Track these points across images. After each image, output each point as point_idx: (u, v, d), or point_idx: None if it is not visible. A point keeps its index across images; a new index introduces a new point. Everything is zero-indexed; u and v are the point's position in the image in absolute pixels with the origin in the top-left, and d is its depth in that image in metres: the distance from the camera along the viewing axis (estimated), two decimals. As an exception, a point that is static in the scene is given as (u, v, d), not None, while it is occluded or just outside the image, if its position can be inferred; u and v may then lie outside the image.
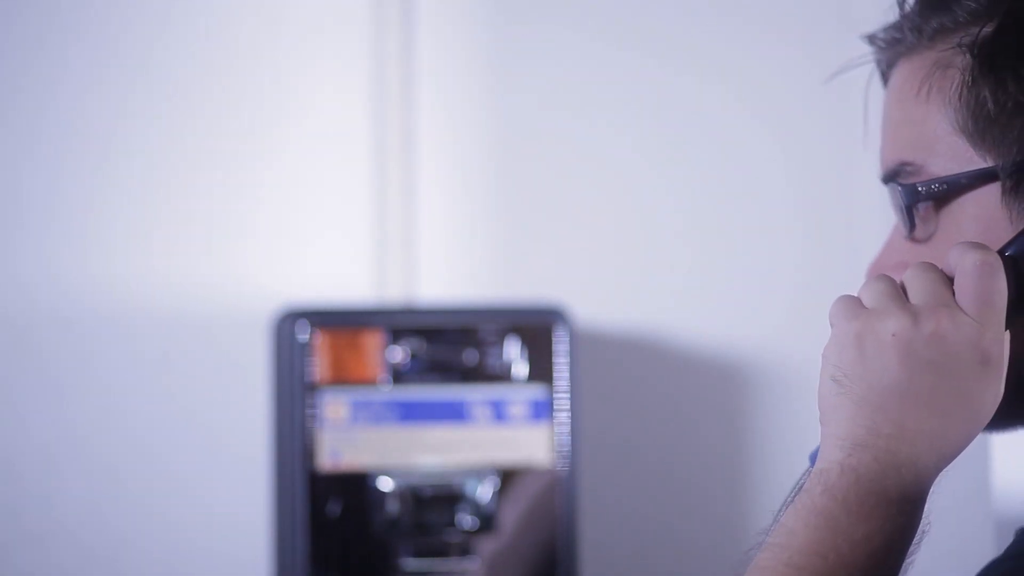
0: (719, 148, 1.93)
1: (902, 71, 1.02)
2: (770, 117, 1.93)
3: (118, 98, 1.86)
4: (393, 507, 1.67)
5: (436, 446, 1.68)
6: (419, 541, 1.67)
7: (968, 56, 0.97)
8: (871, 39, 1.05)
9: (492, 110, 1.91)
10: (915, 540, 0.91)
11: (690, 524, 1.90)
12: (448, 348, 1.69)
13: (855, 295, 0.95)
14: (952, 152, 0.98)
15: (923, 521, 0.91)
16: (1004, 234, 0.96)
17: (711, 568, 1.85)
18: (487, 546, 1.68)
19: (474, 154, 1.91)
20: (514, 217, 1.91)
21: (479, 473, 1.68)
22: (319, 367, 1.67)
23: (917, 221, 1.00)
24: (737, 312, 1.92)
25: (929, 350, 0.91)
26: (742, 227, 1.92)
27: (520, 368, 1.69)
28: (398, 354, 1.69)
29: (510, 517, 1.69)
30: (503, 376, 1.69)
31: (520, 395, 1.69)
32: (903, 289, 0.94)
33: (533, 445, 1.69)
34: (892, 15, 1.02)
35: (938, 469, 0.92)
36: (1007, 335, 0.94)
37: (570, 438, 1.69)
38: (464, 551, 1.68)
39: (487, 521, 1.68)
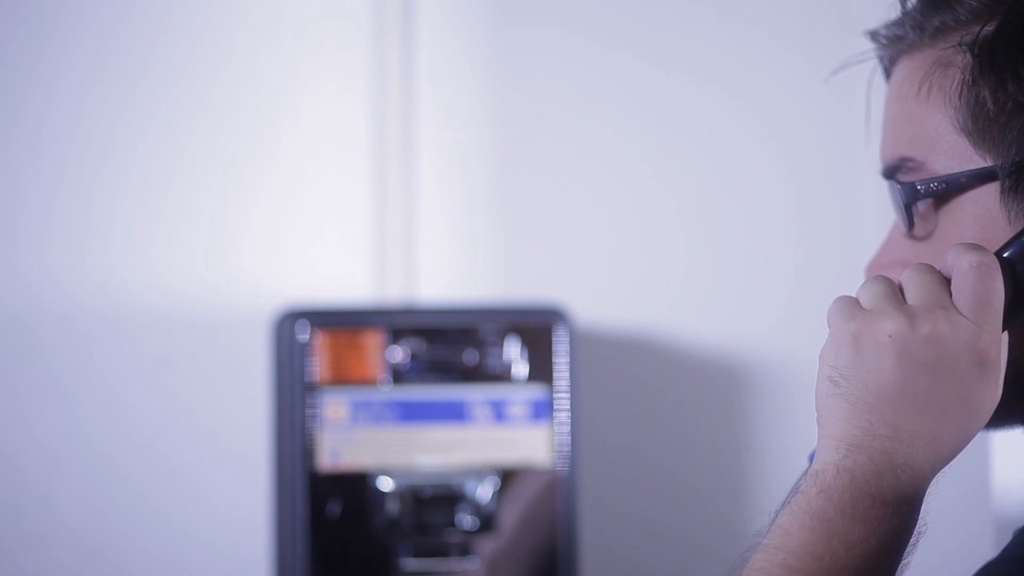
0: (719, 148, 1.93)
1: (903, 68, 1.02)
2: (770, 118, 1.93)
3: (118, 99, 1.86)
4: (393, 507, 1.67)
5: (436, 446, 1.68)
6: (419, 541, 1.67)
7: (968, 55, 0.97)
8: (873, 35, 1.04)
9: (492, 110, 1.91)
10: (911, 541, 0.91)
11: (690, 524, 1.90)
12: (448, 348, 1.69)
13: (853, 296, 0.95)
14: (952, 150, 0.98)
15: (919, 523, 0.91)
16: (1002, 234, 0.96)
17: (711, 568, 1.85)
18: (487, 546, 1.68)
19: (474, 154, 1.91)
20: (514, 217, 1.91)
21: (479, 473, 1.68)
22: (319, 367, 1.67)
23: (916, 219, 1.00)
24: (737, 312, 1.92)
25: (925, 351, 0.91)
26: (742, 227, 1.92)
27: (520, 368, 1.69)
28: (398, 354, 1.69)
29: (510, 517, 1.69)
30: (503, 376, 1.69)
31: (520, 395, 1.69)
32: (901, 290, 0.94)
33: (533, 445, 1.69)
34: (894, 12, 1.02)
35: (935, 470, 0.92)
36: (1005, 336, 0.94)
37: (570, 438, 1.69)
38: (464, 551, 1.68)
39: (487, 521, 1.68)
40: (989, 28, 0.97)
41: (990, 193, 0.97)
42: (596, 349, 1.87)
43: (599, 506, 1.84)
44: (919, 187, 0.99)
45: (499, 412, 1.69)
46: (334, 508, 1.66)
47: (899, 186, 1.00)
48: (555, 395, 1.69)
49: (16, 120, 1.85)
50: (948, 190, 0.98)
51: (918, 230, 1.00)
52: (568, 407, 1.69)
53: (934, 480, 0.92)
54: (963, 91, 0.97)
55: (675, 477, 1.91)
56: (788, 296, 1.91)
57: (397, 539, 1.67)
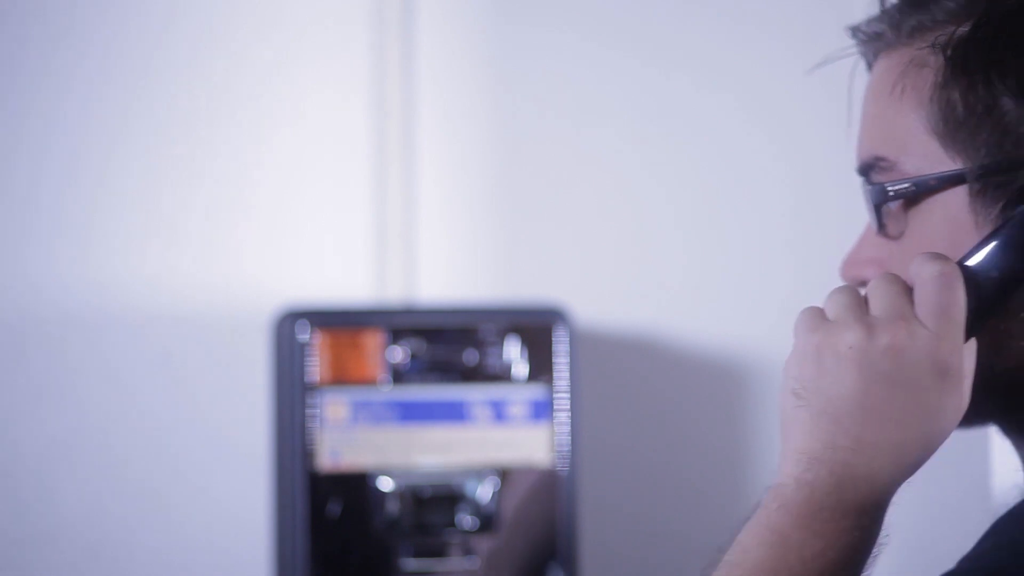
0: (718, 149, 1.93)
1: (880, 66, 1.02)
2: (769, 119, 1.93)
3: (119, 100, 1.86)
4: (393, 507, 1.67)
5: (436, 446, 1.68)
6: (419, 541, 1.67)
7: (941, 56, 0.97)
8: (854, 32, 1.04)
9: (492, 110, 1.91)
10: (873, 553, 0.91)
11: (690, 524, 1.90)
12: (448, 348, 1.69)
13: (820, 307, 0.95)
14: (924, 151, 0.97)
15: (881, 534, 0.91)
16: (970, 238, 0.95)
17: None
18: (487, 546, 1.68)
19: (474, 154, 1.91)
20: (514, 217, 1.91)
21: (479, 473, 1.68)
22: (319, 367, 1.67)
23: (887, 219, 1.00)
24: (737, 312, 1.92)
25: (885, 363, 0.91)
26: (741, 227, 1.92)
27: (520, 368, 1.69)
28: (398, 354, 1.69)
29: (510, 517, 1.69)
30: (503, 376, 1.69)
31: (520, 395, 1.69)
32: (868, 300, 0.94)
33: (533, 445, 1.69)
34: (875, 9, 1.02)
35: (898, 481, 0.92)
36: (971, 345, 0.93)
37: (570, 438, 1.69)
38: (464, 551, 1.68)
39: (487, 521, 1.68)
40: (963, 30, 0.96)
41: (959, 196, 0.96)
42: (596, 349, 1.87)
43: (599, 506, 1.84)
44: (889, 188, 0.98)
45: (499, 412, 1.69)
46: (334, 508, 1.66)
47: (869, 186, 1.00)
48: (555, 395, 1.69)
49: (18, 121, 1.85)
50: (918, 192, 0.97)
51: (890, 230, 1.00)
52: (568, 407, 1.69)
53: (897, 492, 0.92)
54: (935, 93, 0.97)
55: (675, 477, 1.91)
56: (787, 296, 1.91)
57: (397, 539, 1.67)
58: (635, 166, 1.92)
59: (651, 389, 1.91)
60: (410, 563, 1.67)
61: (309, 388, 1.67)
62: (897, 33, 1.00)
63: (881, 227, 1.01)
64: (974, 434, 1.01)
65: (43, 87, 1.85)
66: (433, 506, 1.68)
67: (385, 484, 1.67)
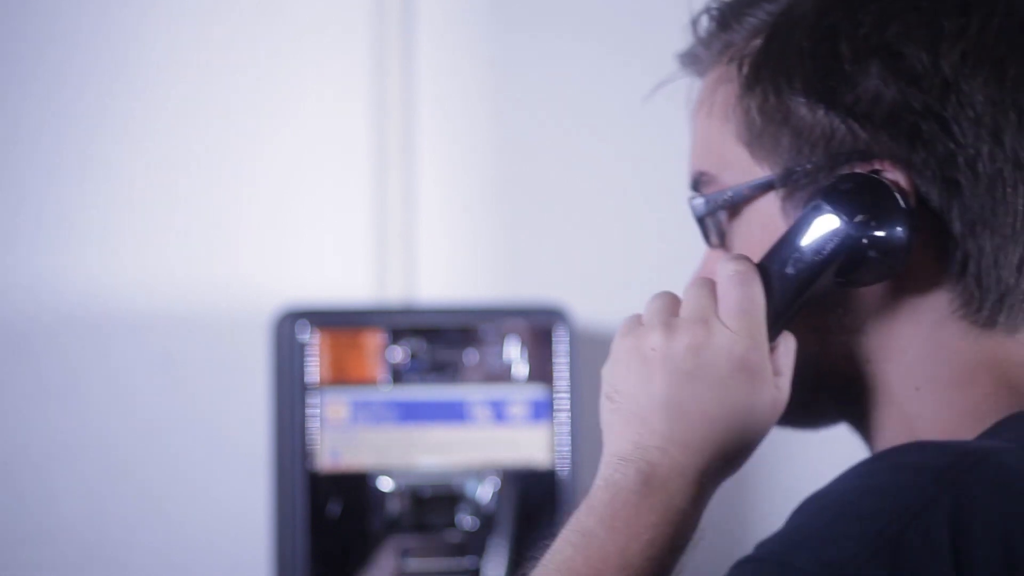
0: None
1: (700, 87, 1.05)
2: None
3: (120, 102, 1.86)
4: (393, 507, 1.67)
5: (436, 446, 1.68)
6: (419, 541, 1.67)
7: (737, 70, 1.00)
8: (680, 57, 1.08)
9: (492, 111, 1.91)
10: (685, 550, 0.93)
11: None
12: (448, 348, 1.69)
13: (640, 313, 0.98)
14: (737, 163, 1.00)
15: (696, 531, 0.93)
16: None
17: (711, 568, 1.85)
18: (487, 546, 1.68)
19: (474, 154, 1.91)
20: (514, 217, 1.91)
21: (479, 473, 1.68)
22: (319, 367, 1.67)
23: (712, 232, 1.03)
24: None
25: (686, 362, 0.93)
26: (742, 227, 1.92)
27: (520, 368, 1.69)
28: (398, 354, 1.69)
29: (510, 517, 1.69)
30: (503, 376, 1.69)
31: (520, 395, 1.69)
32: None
33: (533, 445, 1.69)
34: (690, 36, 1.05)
35: (713, 478, 0.94)
36: (789, 342, 0.95)
37: (570, 438, 1.69)
38: (464, 551, 1.68)
39: (487, 521, 1.68)
40: (756, 43, 1.00)
41: (771, 203, 0.98)
42: (596, 349, 1.86)
43: (599, 506, 1.84)
44: (707, 200, 1.02)
45: (499, 412, 1.69)
46: (334, 508, 1.66)
47: (691, 202, 1.03)
48: (555, 395, 1.69)
49: (18, 121, 1.85)
50: (735, 201, 1.00)
51: (715, 241, 1.03)
52: (568, 407, 1.69)
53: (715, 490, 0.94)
54: (736, 105, 1.00)
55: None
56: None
57: (397, 539, 1.67)
58: (635, 166, 1.92)
59: (651, 389, 1.90)
60: (410, 563, 1.67)
61: (309, 388, 1.67)
62: (710, 53, 1.04)
63: (707, 239, 1.05)
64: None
65: (43, 88, 1.85)
66: (433, 506, 1.68)
67: (385, 484, 1.67)
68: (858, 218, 0.94)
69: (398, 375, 1.68)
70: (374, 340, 1.68)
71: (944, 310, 0.96)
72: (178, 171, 1.86)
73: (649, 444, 0.93)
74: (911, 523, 0.84)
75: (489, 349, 1.69)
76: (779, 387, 0.95)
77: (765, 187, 0.98)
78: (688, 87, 1.09)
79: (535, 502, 1.69)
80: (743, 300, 0.95)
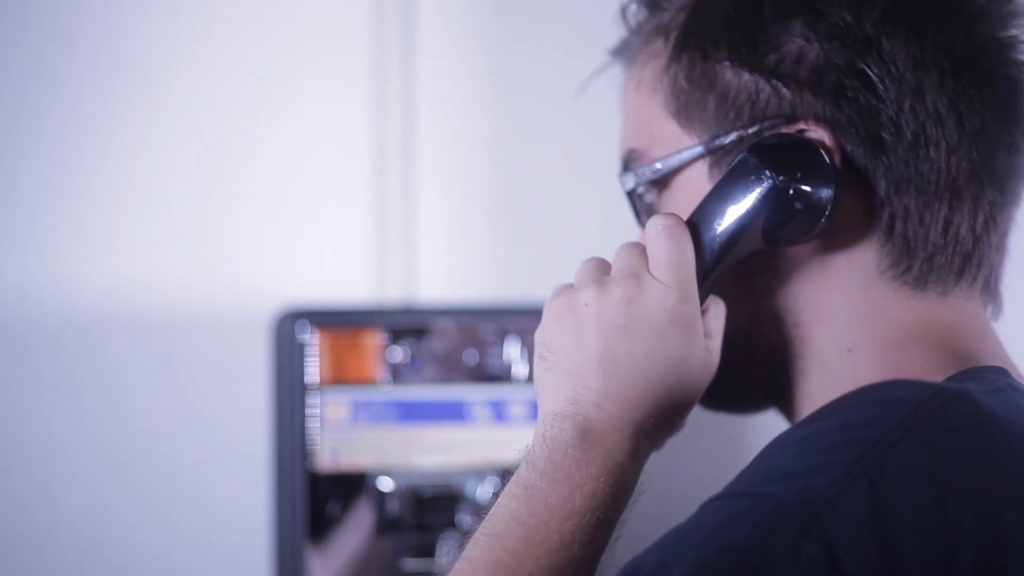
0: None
1: (629, 70, 1.06)
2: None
3: (117, 100, 1.86)
4: (393, 507, 1.67)
5: (436, 446, 1.68)
6: (419, 541, 1.67)
7: (664, 42, 1.01)
8: (612, 52, 1.09)
9: (492, 110, 1.91)
10: (629, 499, 0.95)
11: (690, 524, 1.90)
12: (448, 348, 1.69)
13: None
14: (666, 136, 1.01)
15: (636, 485, 0.95)
16: None
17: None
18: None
19: (474, 154, 1.91)
20: (514, 217, 1.91)
21: (479, 473, 1.68)
22: (319, 367, 1.67)
23: (643, 211, 1.03)
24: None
25: (618, 315, 0.94)
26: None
27: (520, 368, 1.70)
28: (398, 354, 1.69)
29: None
30: (503, 376, 1.69)
31: (520, 395, 1.69)
32: None
33: (533, 445, 1.69)
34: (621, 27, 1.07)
35: (652, 431, 0.95)
36: (719, 307, 0.96)
37: (570, 438, 1.69)
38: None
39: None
40: (682, 16, 1.01)
41: (700, 171, 0.99)
42: (596, 349, 1.87)
43: (599, 506, 1.84)
44: (636, 174, 1.02)
45: (499, 412, 1.69)
46: (334, 508, 1.66)
47: (620, 177, 1.04)
48: (555, 395, 1.69)
49: (18, 122, 1.85)
50: (663, 173, 1.01)
51: (646, 219, 1.02)
52: (568, 407, 1.69)
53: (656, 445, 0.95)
54: (663, 75, 1.01)
55: (674, 477, 1.91)
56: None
57: (397, 539, 1.67)
58: (635, 166, 1.92)
59: (651, 389, 1.90)
60: (410, 563, 1.67)
61: (309, 388, 1.67)
62: (639, 37, 1.05)
63: (637, 215, 1.04)
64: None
65: (44, 89, 1.85)
66: (433, 506, 1.68)
67: (385, 484, 1.67)
68: (783, 171, 0.94)
69: (398, 375, 1.68)
70: (374, 340, 1.69)
71: (873, 271, 0.97)
72: (178, 171, 1.87)
73: (585, 399, 0.94)
74: (888, 452, 0.84)
75: (489, 349, 1.69)
76: (710, 348, 0.96)
77: (693, 158, 0.99)
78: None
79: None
80: (673, 253, 0.95)
